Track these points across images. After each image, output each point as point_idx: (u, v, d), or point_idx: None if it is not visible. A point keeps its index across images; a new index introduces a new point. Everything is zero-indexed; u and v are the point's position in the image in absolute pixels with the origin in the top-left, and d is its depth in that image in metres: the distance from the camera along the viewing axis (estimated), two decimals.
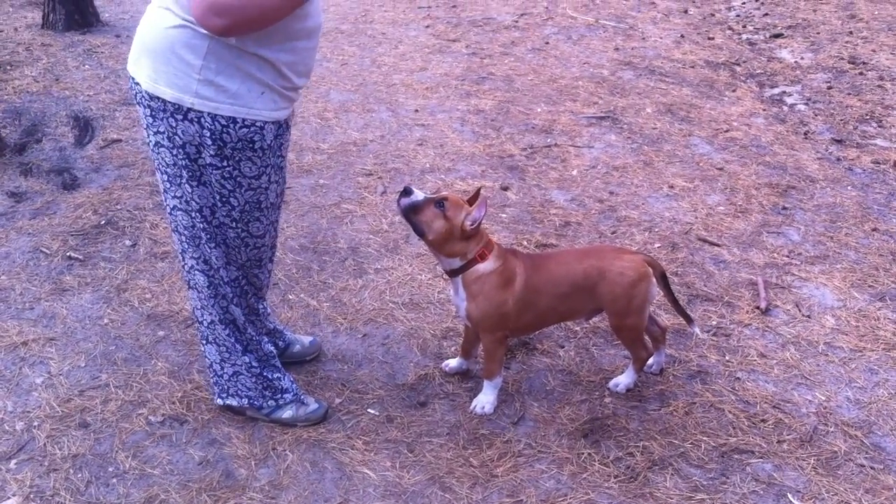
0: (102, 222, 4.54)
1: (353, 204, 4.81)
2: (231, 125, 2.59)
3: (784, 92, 6.68)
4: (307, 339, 3.59)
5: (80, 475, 2.98)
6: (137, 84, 2.63)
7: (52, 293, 3.94)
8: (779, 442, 3.16)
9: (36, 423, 3.19)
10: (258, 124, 2.64)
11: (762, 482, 2.98)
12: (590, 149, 5.54)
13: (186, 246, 2.87)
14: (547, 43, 7.68)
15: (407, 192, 3.04)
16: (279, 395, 3.19)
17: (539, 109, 6.15)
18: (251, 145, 2.65)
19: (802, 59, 7.34)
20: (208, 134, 2.59)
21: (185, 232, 2.84)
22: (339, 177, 5.11)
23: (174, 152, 2.66)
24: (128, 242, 4.37)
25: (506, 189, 4.97)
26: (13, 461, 3.03)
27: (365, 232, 4.51)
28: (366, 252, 4.33)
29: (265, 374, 3.15)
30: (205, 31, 2.46)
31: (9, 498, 2.87)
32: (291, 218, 4.59)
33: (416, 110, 6.00)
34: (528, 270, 3.15)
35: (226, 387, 3.17)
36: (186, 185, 2.71)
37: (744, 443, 3.15)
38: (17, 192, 4.81)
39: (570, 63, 7.16)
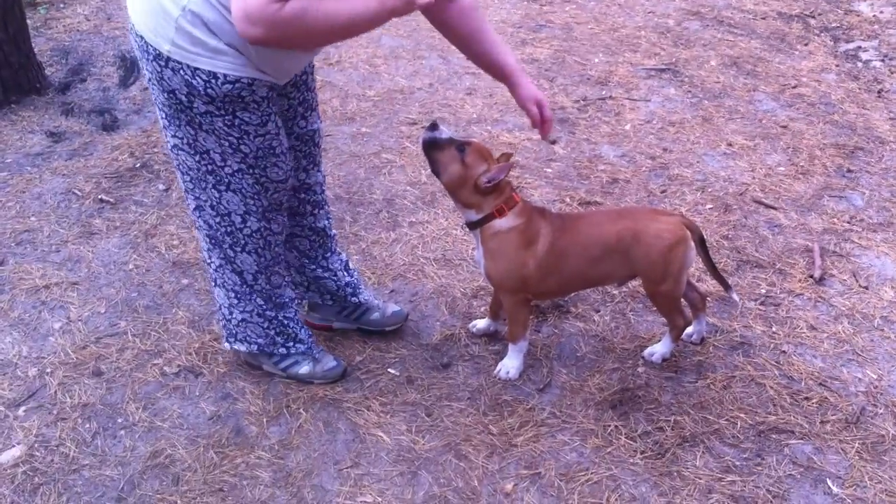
0: (138, 165, 4.46)
1: (393, 154, 4.64)
2: (213, 80, 2.39)
3: (860, 47, 6.30)
4: (391, 308, 3.35)
5: (87, 425, 2.92)
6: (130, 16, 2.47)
7: (79, 236, 3.88)
8: (822, 422, 2.94)
9: (49, 370, 3.14)
10: (244, 80, 2.42)
11: (800, 465, 2.78)
12: (646, 102, 5.28)
13: (191, 186, 2.69)
14: None
15: (433, 126, 2.86)
16: (291, 344, 3.06)
17: (596, 60, 5.89)
18: (241, 100, 2.45)
19: (882, 12, 6.91)
20: (193, 85, 2.40)
21: (190, 173, 2.66)
22: (382, 125, 4.94)
23: (165, 96, 2.47)
24: (161, 187, 4.28)
25: (553, 143, 4.75)
26: (22, 408, 2.98)
27: (402, 183, 4.35)
28: (401, 204, 4.18)
29: (279, 317, 3.00)
30: None
31: (13, 446, 2.81)
32: (329, 167, 4.43)
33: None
34: (556, 231, 2.95)
35: (234, 331, 3.04)
36: (187, 128, 2.52)
37: (784, 422, 2.94)
38: (55, 132, 4.75)
39: (634, 11, 6.85)
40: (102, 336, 3.30)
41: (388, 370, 3.17)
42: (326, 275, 3.22)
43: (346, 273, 3.26)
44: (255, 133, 2.55)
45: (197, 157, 2.60)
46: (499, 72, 2.84)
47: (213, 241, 2.81)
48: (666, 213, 3.09)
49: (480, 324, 3.34)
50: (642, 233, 2.94)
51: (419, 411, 2.99)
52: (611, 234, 2.97)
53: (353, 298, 3.28)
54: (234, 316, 2.99)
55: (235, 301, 2.94)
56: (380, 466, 2.77)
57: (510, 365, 3.12)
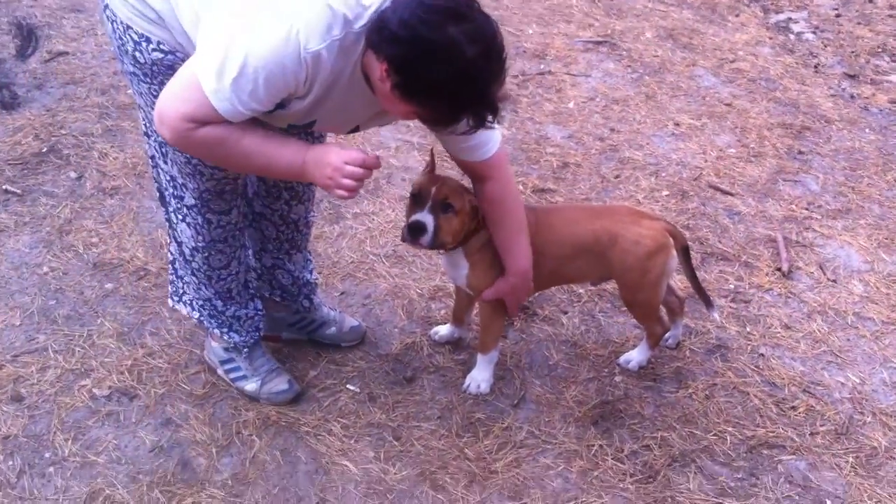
0: (45, 149, 4.01)
1: (329, 136, 4.29)
2: (143, 43, 2.12)
3: (790, 18, 6.20)
4: (348, 322, 3.05)
5: (11, 462, 2.56)
6: None
7: None
8: (812, 434, 2.79)
9: None
10: (178, 54, 2.12)
11: (797, 484, 2.62)
12: (587, 78, 5.06)
13: (146, 131, 2.40)
14: None
15: (419, 228, 2.50)
16: (225, 330, 2.73)
17: (530, 31, 5.63)
18: (171, 72, 2.09)
19: None
20: (123, 42, 2.15)
21: (146, 117, 2.34)
22: None
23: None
24: (73, 175, 3.85)
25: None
26: None
27: None
28: None
29: (214, 302, 2.69)
30: None
31: None
32: None
33: None
34: (532, 228, 2.70)
35: (180, 290, 2.73)
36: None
37: (773, 435, 2.78)
38: None
39: None
40: (20, 353, 2.92)
41: (347, 386, 2.88)
42: (284, 269, 2.90)
43: (308, 274, 2.95)
44: None
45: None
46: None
47: (161, 198, 2.54)
48: (649, 215, 2.86)
49: (443, 330, 3.08)
50: (620, 236, 2.72)
51: (386, 434, 2.72)
52: (587, 233, 2.74)
53: (305, 301, 2.97)
54: (182, 273, 2.67)
55: (182, 261, 2.65)
56: (349, 501, 2.50)
57: (480, 378, 2.88)
